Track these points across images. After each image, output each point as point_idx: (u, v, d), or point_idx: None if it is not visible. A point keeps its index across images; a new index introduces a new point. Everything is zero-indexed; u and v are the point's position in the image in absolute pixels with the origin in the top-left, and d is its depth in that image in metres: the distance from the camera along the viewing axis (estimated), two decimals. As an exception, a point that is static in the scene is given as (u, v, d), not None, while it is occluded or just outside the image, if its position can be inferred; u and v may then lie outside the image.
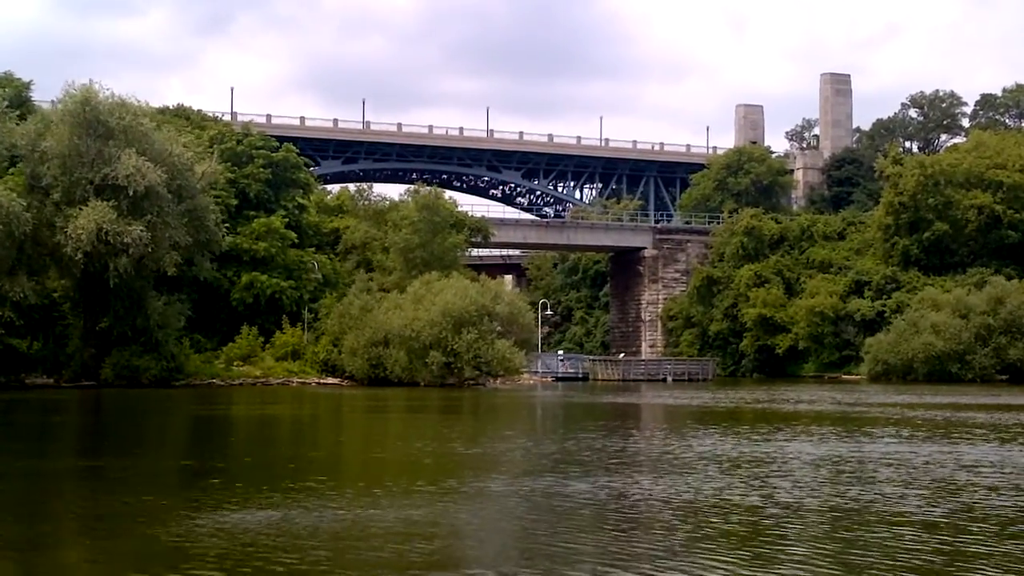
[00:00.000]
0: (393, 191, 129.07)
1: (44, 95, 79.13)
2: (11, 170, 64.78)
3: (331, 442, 29.72)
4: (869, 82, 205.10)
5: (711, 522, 14.53)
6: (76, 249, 58.28)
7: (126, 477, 19.71)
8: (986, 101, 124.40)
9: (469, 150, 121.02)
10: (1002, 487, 18.08)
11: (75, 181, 60.65)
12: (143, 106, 67.15)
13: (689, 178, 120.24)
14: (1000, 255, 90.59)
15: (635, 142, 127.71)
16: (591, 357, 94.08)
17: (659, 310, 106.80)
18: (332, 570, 11.66)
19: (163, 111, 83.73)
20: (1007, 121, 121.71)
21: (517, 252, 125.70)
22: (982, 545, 13.07)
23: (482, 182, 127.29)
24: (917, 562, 12.14)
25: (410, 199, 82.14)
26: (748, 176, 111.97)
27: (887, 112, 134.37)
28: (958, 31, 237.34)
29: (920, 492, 17.37)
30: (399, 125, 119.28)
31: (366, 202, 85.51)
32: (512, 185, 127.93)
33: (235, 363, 69.35)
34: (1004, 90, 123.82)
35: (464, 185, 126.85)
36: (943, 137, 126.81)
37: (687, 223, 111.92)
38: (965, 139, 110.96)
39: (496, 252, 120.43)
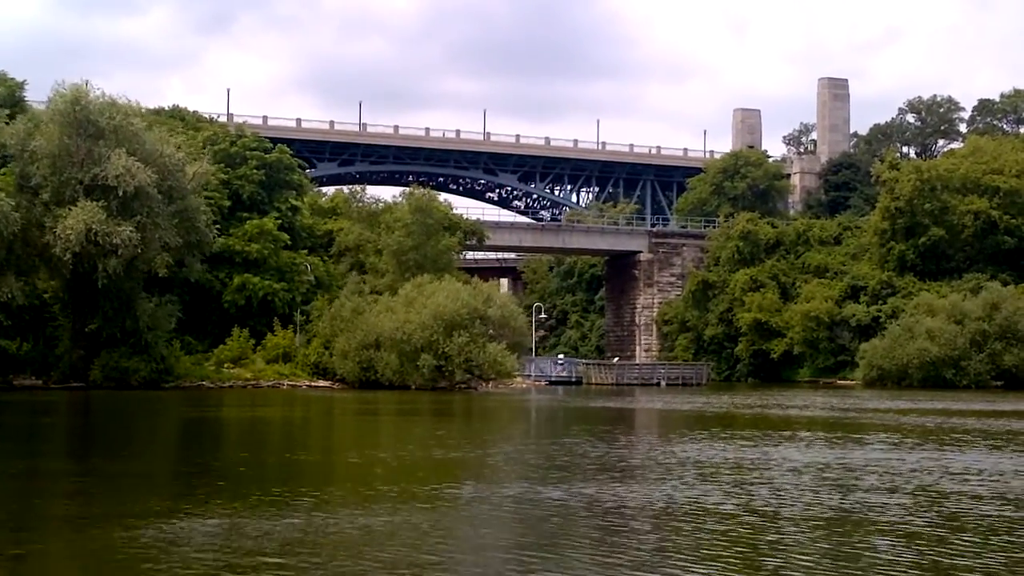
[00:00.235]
0: (389, 193, 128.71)
1: (44, 95, 78.69)
2: (1, 170, 64.39)
3: (319, 447, 29.28)
4: (868, 86, 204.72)
5: (682, 530, 14.14)
6: (65, 249, 57.78)
7: (108, 480, 19.37)
8: (983, 106, 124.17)
9: (466, 153, 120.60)
10: (987, 496, 17.70)
11: (65, 181, 60.18)
12: (134, 106, 66.77)
13: (686, 182, 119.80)
14: (996, 261, 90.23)
15: (632, 145, 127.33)
16: (585, 361, 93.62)
17: (654, 314, 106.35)
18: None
19: (158, 112, 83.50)
20: (1004, 126, 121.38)
21: (513, 255, 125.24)
22: (961, 557, 12.67)
23: (478, 185, 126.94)
24: (893, 574, 11.75)
25: (404, 201, 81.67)
26: (745, 180, 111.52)
27: (886, 116, 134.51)
28: (958, 35, 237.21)
29: (902, 501, 16.99)
30: (396, 127, 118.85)
31: (360, 204, 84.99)
32: (508, 188, 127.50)
33: (226, 365, 68.81)
34: (1002, 95, 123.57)
35: (460, 188, 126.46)
36: (940, 142, 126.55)
37: (683, 227, 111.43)
38: (962, 144, 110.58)
39: (492, 255, 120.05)
